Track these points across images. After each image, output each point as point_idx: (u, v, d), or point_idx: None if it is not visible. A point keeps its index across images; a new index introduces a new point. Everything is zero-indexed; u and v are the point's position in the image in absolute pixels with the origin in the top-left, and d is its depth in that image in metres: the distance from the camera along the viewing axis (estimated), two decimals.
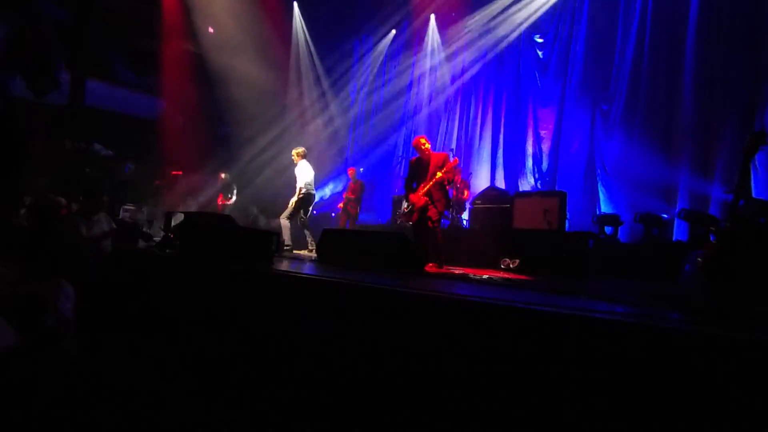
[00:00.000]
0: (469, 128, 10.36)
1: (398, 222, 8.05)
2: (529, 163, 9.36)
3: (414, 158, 5.82)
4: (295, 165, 7.17)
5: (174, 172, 10.48)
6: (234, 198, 10.31)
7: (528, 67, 9.65)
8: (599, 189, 8.23)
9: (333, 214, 10.79)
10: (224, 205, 10.21)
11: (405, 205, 5.75)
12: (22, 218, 4.63)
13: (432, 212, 5.44)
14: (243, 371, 2.77)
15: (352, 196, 9.37)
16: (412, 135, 10.31)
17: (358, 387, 2.31)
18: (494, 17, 9.73)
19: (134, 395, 2.20)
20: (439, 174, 5.38)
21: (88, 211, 4.83)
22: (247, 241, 3.91)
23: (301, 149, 7.32)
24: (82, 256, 4.24)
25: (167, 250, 4.66)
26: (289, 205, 7.06)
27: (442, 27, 10.44)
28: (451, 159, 6.00)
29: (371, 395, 2.26)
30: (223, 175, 10.55)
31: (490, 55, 10.10)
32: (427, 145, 5.68)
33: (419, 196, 5.49)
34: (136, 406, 2.11)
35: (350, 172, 9.90)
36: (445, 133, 10.68)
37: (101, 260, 4.38)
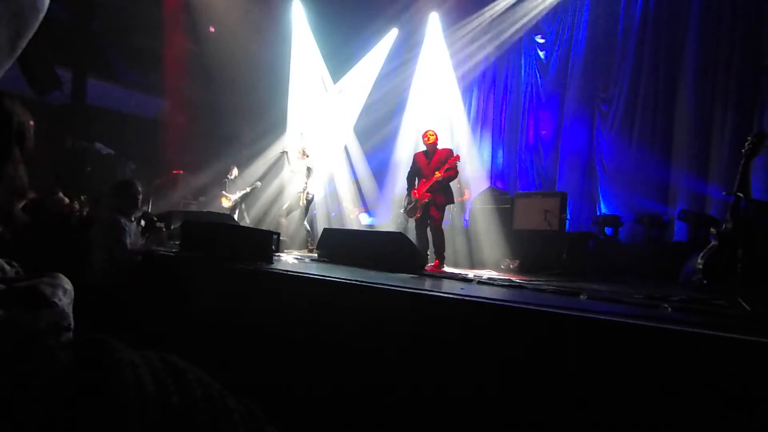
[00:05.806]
0: (470, 128, 10.36)
1: (403, 215, 7.97)
2: (530, 163, 9.37)
3: (419, 152, 5.68)
4: (300, 164, 7.08)
5: (175, 171, 10.46)
6: (236, 196, 8.98)
7: (529, 67, 9.65)
8: (599, 190, 8.23)
9: (332, 214, 10.79)
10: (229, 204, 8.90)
11: (406, 200, 5.63)
12: (22, 215, 4.63)
13: (433, 211, 5.36)
14: (243, 370, 2.77)
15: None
16: (414, 135, 10.30)
17: (358, 386, 2.31)
18: (496, 18, 9.72)
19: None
20: (437, 174, 5.31)
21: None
22: (247, 240, 3.91)
23: (308, 148, 7.26)
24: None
25: (168, 249, 4.65)
26: (291, 203, 7.04)
27: (443, 26, 10.43)
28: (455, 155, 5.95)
29: (371, 395, 2.26)
30: (235, 170, 9.26)
31: (492, 56, 10.10)
32: (432, 139, 5.53)
33: (422, 193, 5.40)
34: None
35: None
36: (446, 133, 10.67)
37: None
